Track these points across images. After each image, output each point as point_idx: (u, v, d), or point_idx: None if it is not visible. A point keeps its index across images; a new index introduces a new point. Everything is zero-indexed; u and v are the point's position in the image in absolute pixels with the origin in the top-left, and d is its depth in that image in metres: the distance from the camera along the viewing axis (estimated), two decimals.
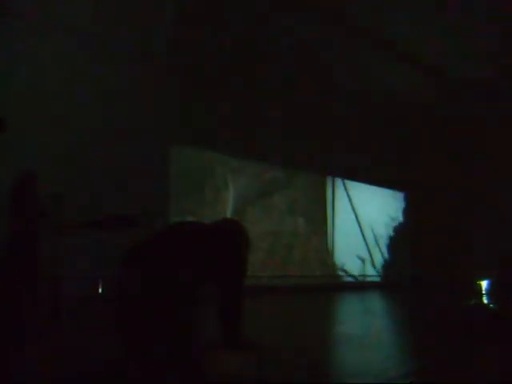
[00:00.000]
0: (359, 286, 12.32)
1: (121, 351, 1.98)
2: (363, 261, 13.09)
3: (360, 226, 13.30)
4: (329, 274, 11.65)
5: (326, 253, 11.81)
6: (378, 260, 13.57)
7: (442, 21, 8.52)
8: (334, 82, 10.61)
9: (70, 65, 7.21)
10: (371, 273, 13.24)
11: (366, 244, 13.35)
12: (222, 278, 2.12)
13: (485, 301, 6.40)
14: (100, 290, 4.55)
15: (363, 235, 13.33)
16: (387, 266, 13.72)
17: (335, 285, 11.77)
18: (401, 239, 14.37)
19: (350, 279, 12.37)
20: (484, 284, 6.67)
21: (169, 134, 8.60)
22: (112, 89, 7.53)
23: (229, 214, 9.40)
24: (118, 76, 7.67)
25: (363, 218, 13.45)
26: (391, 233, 14.27)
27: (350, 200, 13.14)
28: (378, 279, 13.30)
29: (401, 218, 14.70)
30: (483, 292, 6.61)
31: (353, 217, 13.09)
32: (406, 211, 14.70)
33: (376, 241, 13.70)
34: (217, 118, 9.08)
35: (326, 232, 12.03)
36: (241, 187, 9.93)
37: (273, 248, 10.39)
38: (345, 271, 12.40)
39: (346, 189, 13.02)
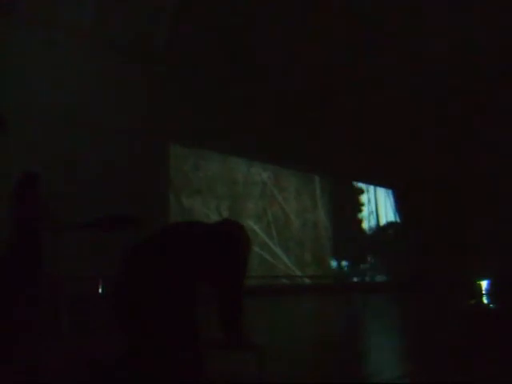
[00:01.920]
0: (359, 286, 12.32)
1: (120, 351, 1.98)
2: (364, 260, 13.09)
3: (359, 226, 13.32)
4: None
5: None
6: (379, 260, 13.58)
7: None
8: (332, 80, 10.61)
9: (70, 65, 7.22)
10: (372, 272, 13.25)
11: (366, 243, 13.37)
12: (223, 278, 2.12)
13: (485, 301, 6.40)
14: (100, 290, 4.54)
15: (362, 234, 13.34)
16: (387, 266, 13.73)
17: (335, 285, 11.78)
18: (401, 239, 14.39)
19: (343, 277, 12.34)
20: (484, 284, 6.68)
21: (169, 134, 8.62)
22: (112, 89, 7.54)
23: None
24: (118, 76, 7.67)
25: (363, 218, 13.47)
26: (391, 233, 14.28)
27: (349, 199, 13.17)
28: (377, 279, 13.31)
29: (400, 218, 14.70)
30: (483, 292, 6.61)
31: (352, 216, 13.12)
32: (406, 211, 14.70)
33: (376, 240, 13.72)
34: (216, 117, 9.09)
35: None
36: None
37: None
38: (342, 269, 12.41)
39: (346, 188, 13.06)
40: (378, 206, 14.08)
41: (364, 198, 13.77)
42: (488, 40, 9.17)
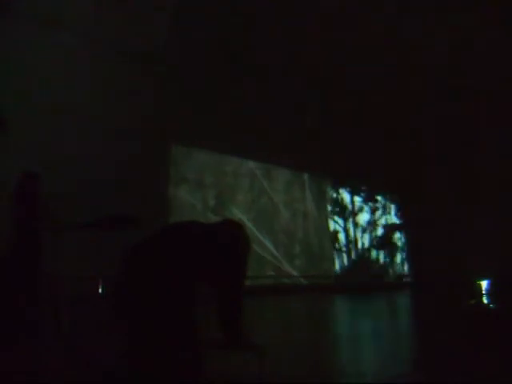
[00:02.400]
0: (360, 286, 12.32)
1: (120, 351, 1.98)
2: (363, 261, 13.09)
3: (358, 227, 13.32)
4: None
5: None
6: (378, 260, 13.58)
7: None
8: (331, 81, 10.61)
9: (70, 65, 7.22)
10: (371, 273, 13.24)
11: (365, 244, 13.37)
12: (222, 278, 2.12)
13: (485, 301, 6.40)
14: (100, 290, 4.54)
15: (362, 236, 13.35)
16: (387, 266, 13.73)
17: (335, 285, 11.77)
18: (400, 239, 14.39)
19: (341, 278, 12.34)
20: (484, 284, 6.67)
21: (169, 134, 8.62)
22: (112, 89, 7.54)
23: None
24: (118, 76, 7.67)
25: (362, 219, 13.48)
26: (391, 233, 14.28)
27: (348, 200, 13.18)
28: (377, 279, 13.30)
29: (400, 218, 14.70)
30: (483, 292, 6.61)
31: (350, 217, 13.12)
32: (406, 211, 14.70)
33: (375, 241, 13.72)
34: (216, 117, 9.09)
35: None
36: None
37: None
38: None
39: (343, 189, 13.07)
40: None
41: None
42: (488, 40, 9.17)
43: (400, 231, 14.43)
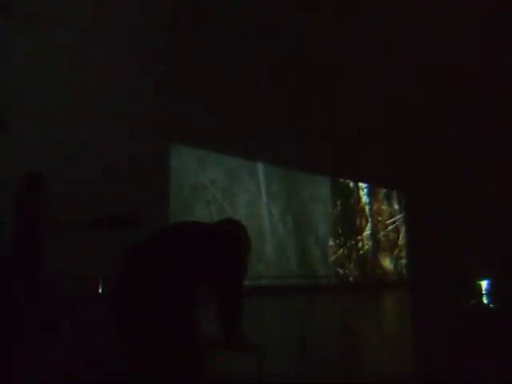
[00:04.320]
0: (360, 286, 12.32)
1: (120, 351, 1.98)
2: (361, 260, 13.10)
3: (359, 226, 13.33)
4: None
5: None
6: (377, 260, 13.59)
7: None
8: (332, 80, 10.60)
9: (70, 65, 7.22)
10: (370, 273, 13.26)
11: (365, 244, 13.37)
12: (222, 277, 2.12)
13: (485, 301, 6.40)
14: (100, 290, 4.55)
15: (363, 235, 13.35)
16: (387, 266, 13.73)
17: (336, 285, 11.78)
18: (400, 239, 14.40)
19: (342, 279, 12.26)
20: (484, 284, 6.67)
21: (169, 133, 8.62)
22: (112, 89, 7.54)
23: None
24: (118, 76, 7.68)
25: (362, 218, 13.48)
26: (390, 233, 14.29)
27: (348, 200, 13.19)
28: (377, 279, 13.31)
29: (400, 218, 14.71)
30: (483, 292, 6.61)
31: (351, 215, 13.12)
32: (406, 211, 14.71)
33: (375, 241, 13.73)
34: (216, 117, 9.08)
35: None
36: None
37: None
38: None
39: (343, 188, 13.07)
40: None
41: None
42: (488, 39, 9.18)
43: (399, 230, 14.42)
